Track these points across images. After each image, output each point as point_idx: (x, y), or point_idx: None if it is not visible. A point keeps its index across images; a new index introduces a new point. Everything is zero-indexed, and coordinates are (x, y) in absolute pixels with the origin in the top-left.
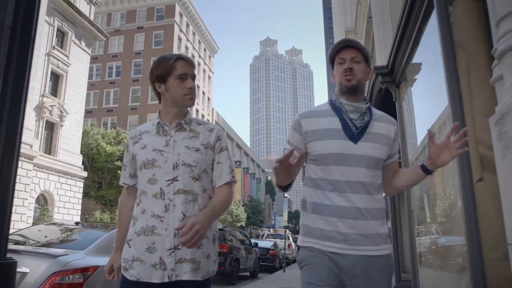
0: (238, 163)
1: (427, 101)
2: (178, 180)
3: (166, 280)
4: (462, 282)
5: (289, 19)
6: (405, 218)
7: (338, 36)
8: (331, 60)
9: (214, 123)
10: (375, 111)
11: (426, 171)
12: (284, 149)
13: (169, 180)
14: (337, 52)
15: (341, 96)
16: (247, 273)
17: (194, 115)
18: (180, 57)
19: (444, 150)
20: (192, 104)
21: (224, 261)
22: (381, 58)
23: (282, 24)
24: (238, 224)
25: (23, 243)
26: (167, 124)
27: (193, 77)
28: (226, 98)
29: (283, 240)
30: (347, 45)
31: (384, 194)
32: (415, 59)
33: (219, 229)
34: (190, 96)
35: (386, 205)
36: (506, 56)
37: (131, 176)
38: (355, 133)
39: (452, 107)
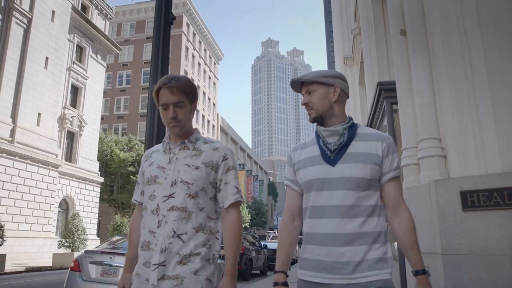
0: (241, 165)
1: None
2: (174, 197)
3: None
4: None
5: (291, 20)
6: None
7: (338, 55)
8: None
9: (218, 127)
10: (362, 130)
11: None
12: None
13: (165, 196)
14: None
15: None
16: (258, 271)
17: (200, 120)
18: (161, 87)
19: None
20: (179, 132)
21: (240, 261)
22: (371, 94)
23: (283, 25)
24: (242, 226)
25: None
26: (172, 143)
27: (177, 104)
28: (227, 98)
29: None
30: (296, 83)
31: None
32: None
33: None
34: (173, 124)
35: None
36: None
37: (142, 193)
38: (331, 156)
39: None
